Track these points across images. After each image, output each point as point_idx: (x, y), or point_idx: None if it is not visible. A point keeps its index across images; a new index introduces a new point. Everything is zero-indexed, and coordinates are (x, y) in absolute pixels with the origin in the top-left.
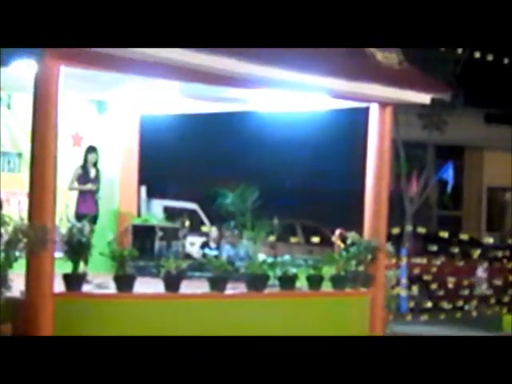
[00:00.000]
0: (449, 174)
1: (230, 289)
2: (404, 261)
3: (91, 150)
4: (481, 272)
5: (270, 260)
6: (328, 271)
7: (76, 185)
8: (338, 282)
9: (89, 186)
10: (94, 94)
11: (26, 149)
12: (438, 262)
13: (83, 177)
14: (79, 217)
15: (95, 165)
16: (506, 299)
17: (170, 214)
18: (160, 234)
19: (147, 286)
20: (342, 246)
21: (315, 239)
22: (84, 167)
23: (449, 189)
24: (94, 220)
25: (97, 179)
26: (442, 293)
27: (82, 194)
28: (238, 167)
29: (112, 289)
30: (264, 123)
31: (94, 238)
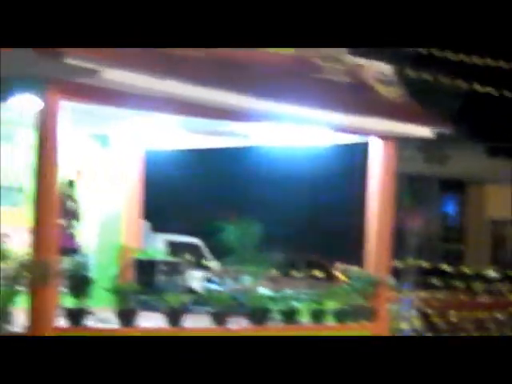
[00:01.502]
0: (451, 207)
1: (233, 323)
2: (407, 295)
3: (67, 183)
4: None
5: (272, 294)
6: (330, 305)
7: None
8: (340, 315)
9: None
10: (96, 129)
11: (27, 184)
12: (441, 296)
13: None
14: None
15: (72, 198)
16: (510, 332)
17: (172, 248)
18: (163, 268)
19: (149, 320)
20: (345, 279)
21: (318, 273)
22: (60, 201)
23: (451, 222)
24: (73, 254)
25: (73, 213)
26: (444, 327)
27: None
28: (240, 201)
29: (114, 323)
30: (266, 158)
31: (97, 273)
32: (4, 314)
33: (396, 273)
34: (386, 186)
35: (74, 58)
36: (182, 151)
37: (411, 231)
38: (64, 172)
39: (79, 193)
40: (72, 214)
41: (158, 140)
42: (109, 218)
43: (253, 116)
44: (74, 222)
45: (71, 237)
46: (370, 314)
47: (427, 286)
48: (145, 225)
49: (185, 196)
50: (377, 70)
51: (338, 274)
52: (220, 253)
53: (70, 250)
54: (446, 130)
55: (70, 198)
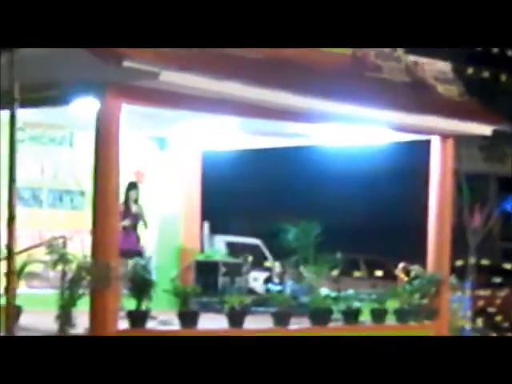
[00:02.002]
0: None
1: (294, 323)
2: (468, 293)
3: (132, 186)
4: None
5: (333, 294)
6: (392, 305)
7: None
8: (401, 315)
9: (126, 222)
10: (155, 131)
11: (88, 187)
12: (503, 294)
13: (124, 213)
14: (120, 253)
15: (136, 201)
16: None
17: (232, 249)
18: (223, 269)
19: (211, 322)
20: (406, 279)
21: (378, 273)
22: (125, 204)
23: None
24: (137, 257)
25: (138, 215)
26: (506, 325)
27: (122, 230)
28: (301, 202)
29: (176, 325)
30: (325, 157)
31: (158, 275)
32: (66, 317)
33: (457, 271)
34: (445, 184)
35: (134, 61)
36: (240, 152)
37: (471, 230)
38: (124, 175)
39: (140, 195)
40: (135, 217)
41: (215, 141)
42: (168, 220)
43: (312, 116)
44: (137, 225)
45: (135, 239)
46: (431, 314)
47: (488, 285)
48: (204, 226)
49: (243, 197)
50: (435, 68)
51: (398, 273)
52: (280, 253)
53: (134, 252)
54: (506, 128)
55: (133, 200)
